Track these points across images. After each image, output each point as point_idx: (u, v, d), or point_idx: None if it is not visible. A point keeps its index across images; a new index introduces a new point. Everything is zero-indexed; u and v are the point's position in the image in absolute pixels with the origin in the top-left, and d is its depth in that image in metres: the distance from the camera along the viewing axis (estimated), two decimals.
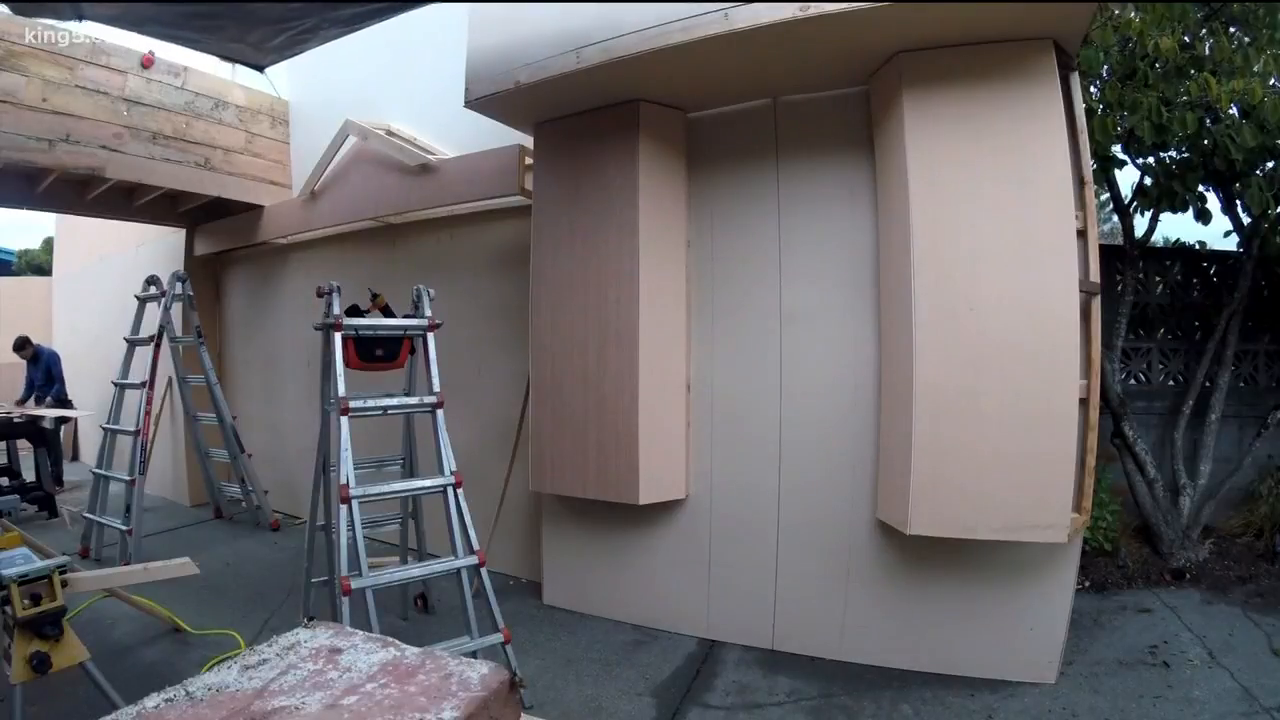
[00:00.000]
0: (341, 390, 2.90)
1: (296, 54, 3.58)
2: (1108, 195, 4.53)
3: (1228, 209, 4.21)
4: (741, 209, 3.47)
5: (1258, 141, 3.52)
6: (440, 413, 3.09)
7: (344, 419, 2.85)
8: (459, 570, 2.91)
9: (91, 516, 4.78)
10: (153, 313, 5.18)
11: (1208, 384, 4.47)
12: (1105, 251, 3.82)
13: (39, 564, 2.35)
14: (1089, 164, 2.90)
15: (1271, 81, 3.64)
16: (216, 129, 5.41)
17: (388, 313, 3.32)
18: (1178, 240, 5.00)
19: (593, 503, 3.68)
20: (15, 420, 5.94)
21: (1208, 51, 3.66)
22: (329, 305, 2.99)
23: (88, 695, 2.40)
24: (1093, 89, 3.85)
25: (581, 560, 3.86)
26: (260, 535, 5.34)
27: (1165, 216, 4.26)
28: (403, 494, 3.43)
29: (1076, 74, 2.93)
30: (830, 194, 3.27)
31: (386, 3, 3.07)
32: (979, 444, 2.73)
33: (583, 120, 3.59)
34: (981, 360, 2.73)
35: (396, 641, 1.27)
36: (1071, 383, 2.68)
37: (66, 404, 6.61)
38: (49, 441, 6.16)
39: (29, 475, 5.95)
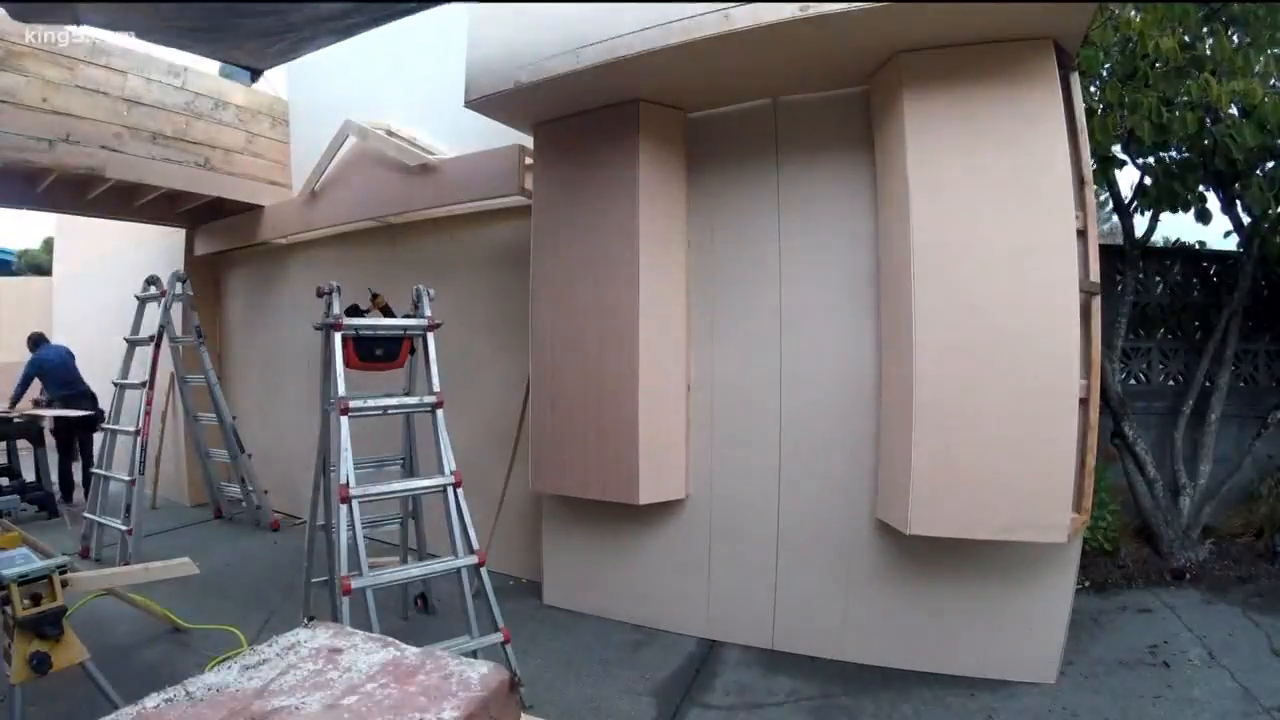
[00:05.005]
0: (341, 390, 2.90)
1: (293, 58, 3.57)
2: (1108, 195, 4.53)
3: (1228, 209, 4.21)
4: (742, 209, 3.47)
5: (1258, 141, 3.52)
6: (440, 412, 3.09)
7: (344, 419, 2.85)
8: (459, 570, 2.91)
9: (91, 516, 4.78)
10: (153, 313, 5.18)
11: (1208, 384, 4.47)
12: (1105, 251, 3.81)
13: (39, 564, 2.34)
14: (1089, 164, 2.90)
15: (1271, 81, 3.65)
16: (216, 129, 5.41)
17: (388, 313, 3.32)
18: (1178, 240, 5.00)
19: (593, 503, 3.67)
20: (15, 420, 5.93)
21: (1208, 52, 3.67)
22: (329, 305, 2.99)
23: (88, 695, 2.40)
24: (1093, 89, 3.85)
25: (581, 560, 3.85)
26: (260, 535, 5.34)
27: (1165, 216, 4.27)
28: (403, 494, 3.44)
29: (1076, 74, 2.93)
30: (830, 194, 3.27)
31: (386, 6, 3.06)
32: (979, 444, 2.73)
33: (583, 120, 3.59)
34: (981, 360, 2.73)
35: (396, 641, 1.27)
36: (1071, 382, 2.68)
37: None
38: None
39: (29, 475, 5.95)
